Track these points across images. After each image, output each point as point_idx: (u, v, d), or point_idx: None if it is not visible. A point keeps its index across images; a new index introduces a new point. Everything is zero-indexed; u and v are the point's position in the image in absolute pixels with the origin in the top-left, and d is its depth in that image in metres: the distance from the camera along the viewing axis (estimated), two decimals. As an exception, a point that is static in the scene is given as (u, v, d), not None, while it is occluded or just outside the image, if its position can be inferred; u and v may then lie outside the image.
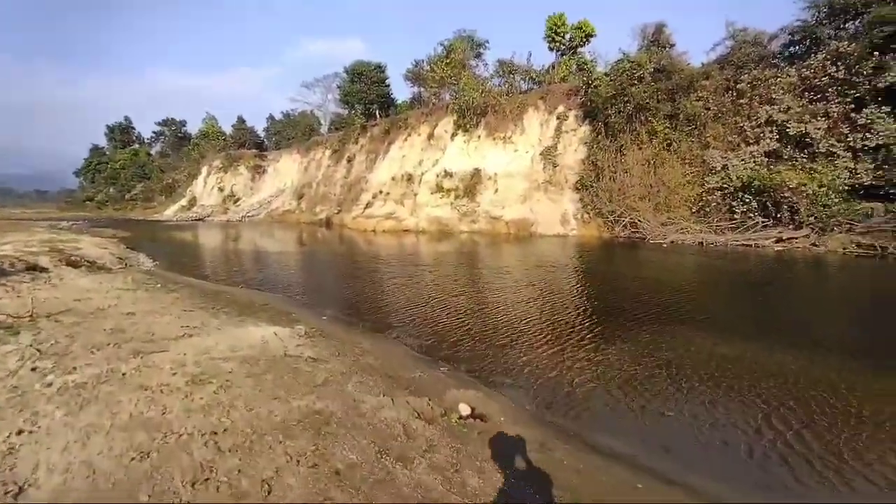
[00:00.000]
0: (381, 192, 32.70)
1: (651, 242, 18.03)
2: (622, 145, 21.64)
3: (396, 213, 28.54)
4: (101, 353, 4.85)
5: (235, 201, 50.98)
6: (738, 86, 19.42)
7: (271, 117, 69.98)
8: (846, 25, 18.00)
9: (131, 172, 66.40)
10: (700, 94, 20.11)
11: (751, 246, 15.92)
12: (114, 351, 4.98)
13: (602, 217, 21.21)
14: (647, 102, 20.67)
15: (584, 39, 26.57)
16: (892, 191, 14.69)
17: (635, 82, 20.93)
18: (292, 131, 63.62)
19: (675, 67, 21.04)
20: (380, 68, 45.61)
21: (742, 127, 19.00)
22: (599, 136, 22.28)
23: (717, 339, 6.43)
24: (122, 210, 61.39)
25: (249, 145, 62.00)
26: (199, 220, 47.52)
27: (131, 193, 64.63)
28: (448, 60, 28.98)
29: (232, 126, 66.68)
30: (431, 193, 27.26)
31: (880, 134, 15.41)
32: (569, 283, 11.26)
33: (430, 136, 30.70)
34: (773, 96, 18.14)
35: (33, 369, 4.31)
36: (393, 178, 32.18)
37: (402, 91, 49.14)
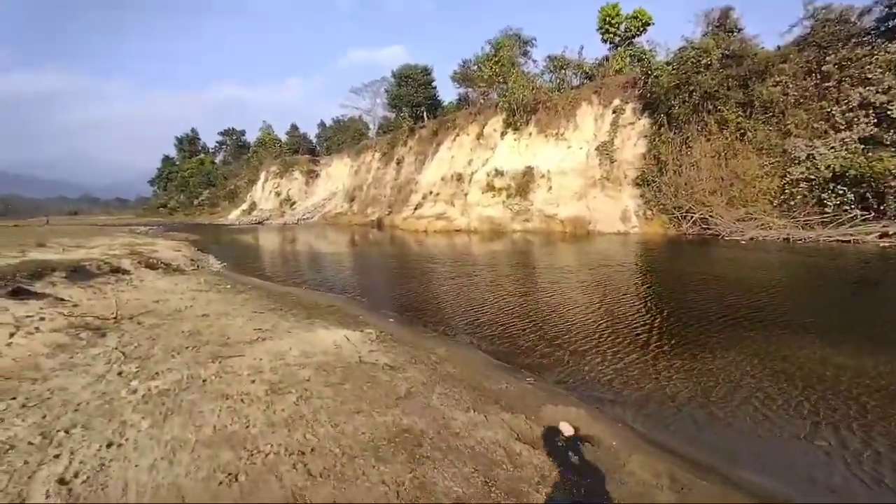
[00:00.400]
0: (430, 192, 32.54)
1: (726, 239, 16.49)
2: (688, 137, 20.06)
3: (447, 213, 28.24)
4: (180, 357, 4.73)
5: (291, 205, 52.86)
6: (824, 67, 17.42)
7: (322, 124, 72.29)
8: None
9: (198, 180, 70.78)
10: (778, 79, 18.24)
11: (848, 241, 14.07)
12: (193, 355, 4.85)
13: (667, 213, 19.76)
14: (716, 90, 19.02)
15: (641, 29, 25.02)
16: None
17: (701, 70, 19.33)
18: (343, 136, 65.25)
19: (747, 52, 19.21)
20: (426, 71, 45.72)
21: (830, 112, 17.01)
22: (662, 129, 20.79)
23: (829, 346, 5.46)
24: (191, 215, 65.53)
25: (303, 151, 64.25)
26: (259, 223, 49.66)
27: (199, 199, 68.87)
28: (496, 59, 28.28)
29: (286, 133, 69.52)
30: (482, 193, 26.70)
31: None
32: (641, 283, 10.35)
33: (480, 136, 30.16)
34: (870, 76, 16.07)
35: (119, 373, 4.22)
36: (442, 179, 31.93)
37: (448, 92, 48.79)
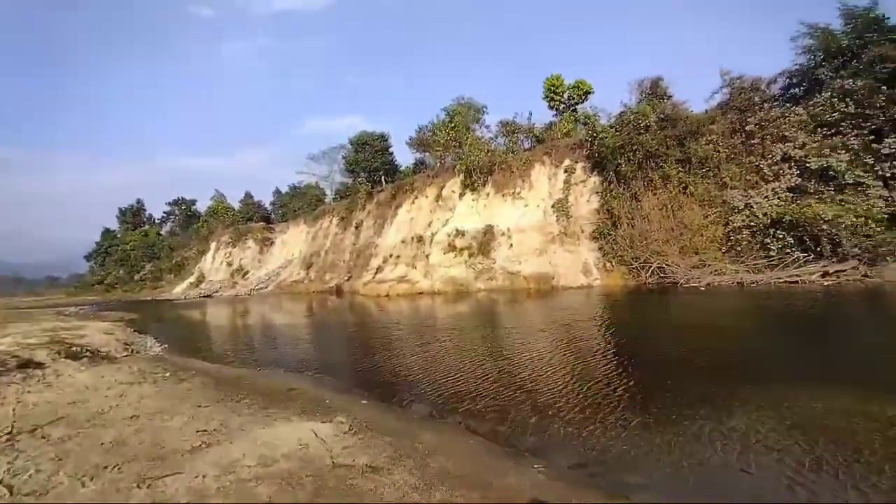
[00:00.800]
0: (391, 255, 32.00)
1: (684, 287, 16.87)
2: (636, 192, 21.17)
3: (409, 276, 27.60)
4: (95, 485, 3.63)
5: (244, 275, 50.33)
6: (748, 127, 19.27)
7: (278, 191, 71.49)
8: (846, 66, 18.06)
9: (141, 253, 66.54)
10: (709, 138, 19.93)
11: (795, 283, 14.76)
12: (112, 478, 3.75)
13: (625, 264, 20.21)
14: (657, 149, 20.46)
15: (582, 97, 27.22)
16: (938, 217, 13.82)
17: (642, 131, 20.87)
18: (299, 203, 64.55)
19: (680, 115, 21.08)
20: (383, 137, 46.97)
21: (758, 165, 18.59)
22: (612, 185, 21.88)
23: (844, 393, 5.18)
24: (130, 291, 60.70)
25: (257, 219, 62.54)
26: (208, 296, 46.56)
27: (141, 274, 64.30)
28: (452, 124, 29.51)
29: (240, 202, 67.88)
30: (444, 253, 26.49)
31: (908, 162, 14.86)
32: (619, 339, 9.98)
33: (438, 198, 30.55)
34: (786, 134, 17.87)
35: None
36: (403, 241, 31.63)
37: (405, 157, 50.10)
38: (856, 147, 16.18)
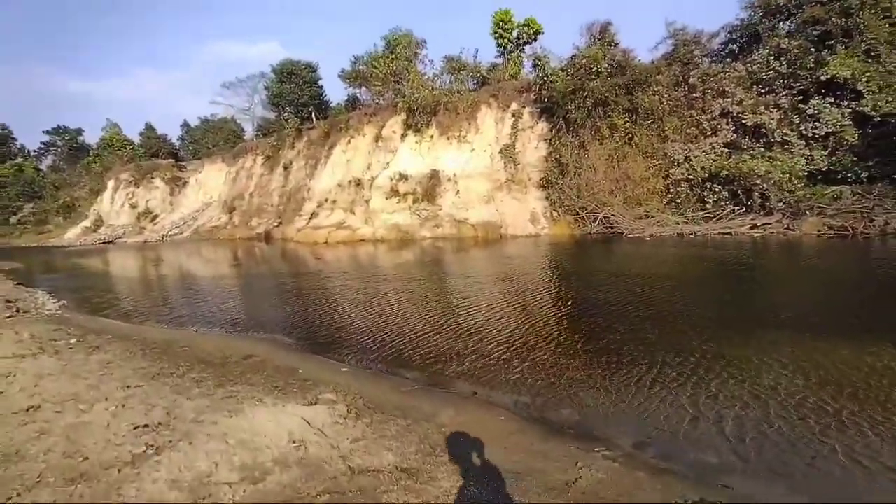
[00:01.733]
0: (326, 200, 29.74)
1: (629, 237, 17.43)
2: (584, 141, 21.03)
3: (348, 222, 25.91)
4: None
5: (153, 219, 44.58)
6: (690, 80, 19.52)
7: (186, 124, 63.01)
8: (781, 24, 18.60)
9: (16, 191, 55.94)
10: (655, 89, 19.97)
11: (729, 234, 15.78)
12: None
13: (572, 214, 20.42)
14: (607, 97, 20.19)
15: (532, 37, 25.84)
16: (848, 175, 15.18)
17: (593, 77, 20.37)
18: (214, 138, 57.43)
19: (629, 63, 20.78)
20: (311, 68, 42.13)
21: (698, 120, 19.09)
22: (560, 133, 21.50)
23: (835, 340, 5.31)
24: (7, 236, 51.41)
25: (164, 155, 54.88)
26: (109, 242, 40.86)
27: (18, 216, 54.45)
28: (393, 56, 26.79)
29: (140, 134, 58.80)
30: (386, 199, 25.01)
31: (828, 123, 15.96)
32: (587, 289, 9.80)
33: (378, 138, 28.36)
34: (726, 89, 18.34)
35: None
36: (339, 185, 29.39)
37: (335, 94, 45.70)
38: (785, 106, 17.05)
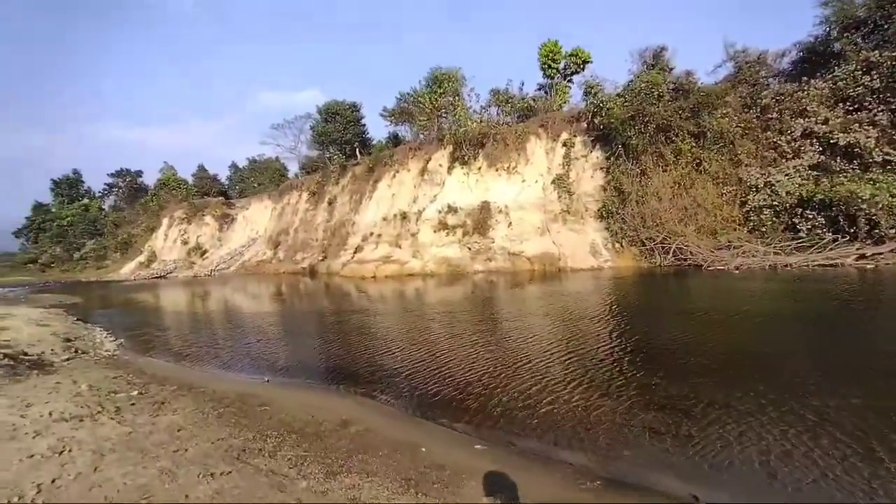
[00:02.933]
0: (371, 234, 29.32)
1: (709, 269, 15.64)
2: (645, 168, 19.68)
3: (395, 256, 25.16)
4: None
5: (202, 254, 45.70)
6: (764, 101, 18.06)
7: (234, 165, 65.76)
8: (867, 38, 17.04)
9: (81, 229, 59.27)
10: (724, 111, 18.58)
11: (832, 266, 13.77)
12: None
13: (636, 245, 18.84)
14: (669, 122, 18.92)
15: (580, 67, 25.21)
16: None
17: (654, 101, 19.21)
18: (260, 177, 59.61)
19: (692, 86, 19.56)
20: (354, 107, 43.12)
21: (775, 142, 17.48)
22: (620, 160, 20.24)
23: None
24: (70, 271, 54.05)
25: (214, 194, 57.15)
26: (161, 277, 41.93)
27: (81, 252, 57.36)
28: (441, 90, 26.69)
29: (192, 175, 61.72)
30: (434, 232, 24.20)
31: (941, 139, 14.05)
32: (673, 328, 8.21)
33: (424, 171, 27.96)
34: (807, 108, 16.74)
35: None
36: (384, 219, 28.97)
37: (375, 132, 46.45)
38: (884, 123, 15.26)
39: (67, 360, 8.66)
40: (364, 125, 44.36)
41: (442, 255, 22.78)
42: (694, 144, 18.80)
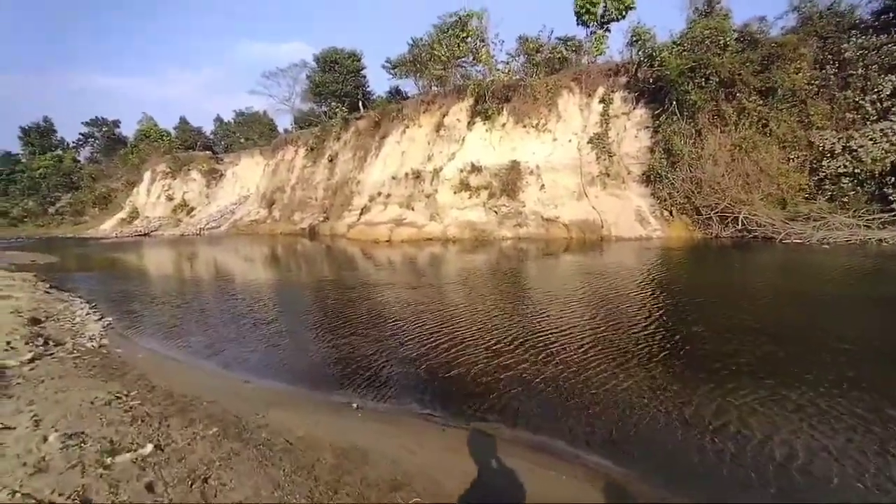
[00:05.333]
0: (379, 194, 26.57)
1: (784, 243, 13.68)
2: (701, 128, 17.28)
3: (408, 219, 22.61)
4: None
5: (189, 212, 42.16)
6: (846, 54, 15.62)
7: (219, 119, 60.90)
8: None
9: (55, 182, 54.30)
10: (798, 65, 16.13)
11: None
12: None
13: (688, 214, 16.73)
14: (735, 76, 16.40)
15: (621, 14, 22.13)
16: None
17: (719, 52, 16.59)
18: (248, 132, 55.28)
19: (763, 36, 16.95)
20: (355, 56, 39.05)
21: (857, 101, 15.21)
22: (673, 118, 17.75)
23: None
24: (45, 226, 49.75)
25: (199, 149, 52.71)
26: (145, 235, 38.53)
27: (56, 207, 52.78)
28: (465, 33, 23.31)
29: (175, 128, 56.71)
30: (455, 193, 21.61)
31: None
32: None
33: (440, 127, 24.97)
34: (904, 62, 14.41)
35: None
36: (393, 178, 26.15)
37: (375, 87, 42.48)
38: None
39: (32, 361, 5.79)
40: (365, 76, 40.47)
41: (465, 218, 20.32)
42: (760, 103, 16.39)
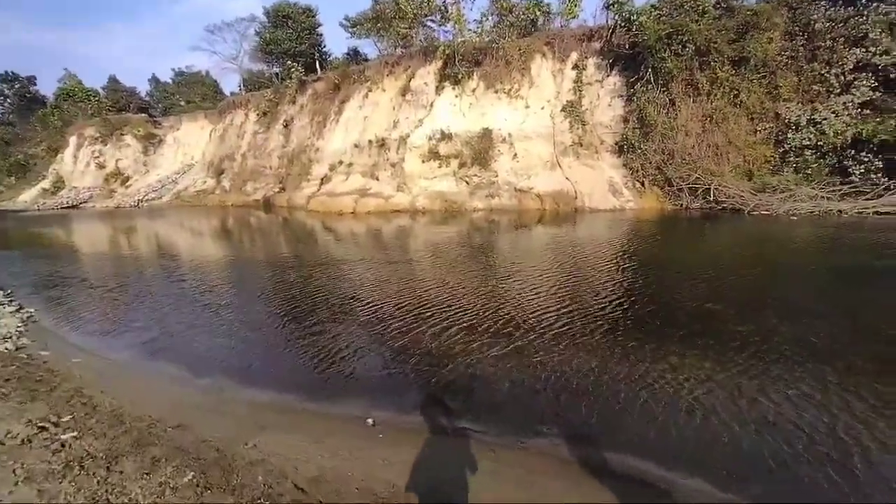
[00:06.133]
0: (340, 162, 24.96)
1: (752, 214, 13.89)
2: (674, 98, 17.08)
3: (374, 189, 21.34)
4: None
5: (124, 181, 38.16)
6: (816, 25, 15.70)
7: (155, 79, 55.21)
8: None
9: (-42, 146, 47.40)
10: (771, 35, 16.08)
11: (890, 214, 12.41)
12: None
13: (659, 185, 16.69)
14: (713, 44, 16.16)
15: (594, -26, 21.30)
16: None
17: (697, 18, 16.24)
18: (189, 93, 50.55)
19: (739, 3, 16.72)
20: (310, 11, 35.90)
21: (822, 74, 15.44)
22: (648, 87, 17.40)
23: None
24: (-53, 197, 43.52)
25: (133, 111, 47.54)
26: (73, 207, 34.62)
27: (-39, 174, 46.24)
28: (433, -11, 21.64)
29: (103, 88, 50.66)
30: (423, 162, 20.50)
31: None
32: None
33: (406, 91, 23.46)
34: (870, 34, 14.63)
35: None
36: (356, 146, 24.58)
37: (333, 47, 39.50)
38: (952, 57, 13.55)
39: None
40: (321, 35, 37.43)
41: (434, 189, 19.36)
42: (732, 73, 16.32)
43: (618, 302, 6.06)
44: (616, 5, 18.54)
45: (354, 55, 37.01)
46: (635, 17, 17.35)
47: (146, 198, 34.38)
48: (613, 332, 5.06)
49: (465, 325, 5.39)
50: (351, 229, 15.90)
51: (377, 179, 22.36)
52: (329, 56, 38.83)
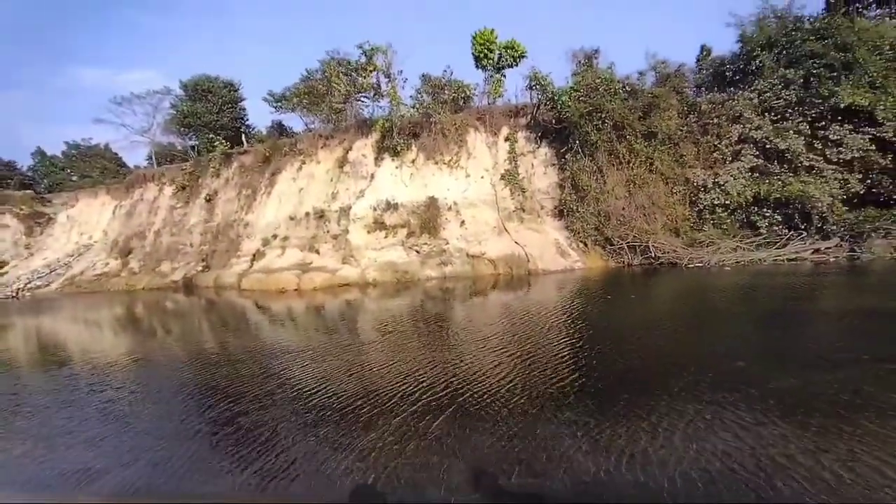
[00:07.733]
0: (274, 236, 23.47)
1: (688, 267, 15.19)
2: (601, 165, 18.88)
3: (317, 263, 20.12)
4: None
5: (-2, 268, 32.12)
6: (703, 106, 18.70)
7: (40, 152, 49.52)
8: (781, 56, 18.64)
9: None
10: (669, 114, 18.79)
11: (794, 260, 14.33)
12: None
13: (601, 244, 17.81)
14: (626, 120, 18.42)
15: (515, 61, 23.73)
16: (893, 197, 14.88)
17: (611, 98, 18.53)
18: (86, 167, 46.08)
19: (642, 87, 19.48)
20: (232, 86, 35.39)
21: (715, 145, 18.16)
22: (578, 157, 19.08)
23: None
24: None
25: (14, 187, 41.54)
26: (-78, 303, 27.87)
27: None
28: (371, 67, 22.39)
29: (-28, 160, 44.09)
30: (369, 232, 19.97)
31: (853, 149, 15.79)
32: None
33: (344, 163, 23.31)
34: (744, 113, 17.66)
35: None
36: (292, 218, 23.45)
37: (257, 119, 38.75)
38: (807, 132, 16.71)
39: None
40: (244, 109, 36.74)
41: (384, 259, 18.72)
42: (645, 144, 18.59)
43: (568, 372, 5.83)
44: (538, 86, 20.63)
45: (280, 128, 36.53)
46: (558, 97, 19.34)
47: (28, 286, 29.00)
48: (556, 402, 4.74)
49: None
50: (292, 308, 14.50)
51: (317, 253, 21.21)
52: (253, 129, 37.96)
